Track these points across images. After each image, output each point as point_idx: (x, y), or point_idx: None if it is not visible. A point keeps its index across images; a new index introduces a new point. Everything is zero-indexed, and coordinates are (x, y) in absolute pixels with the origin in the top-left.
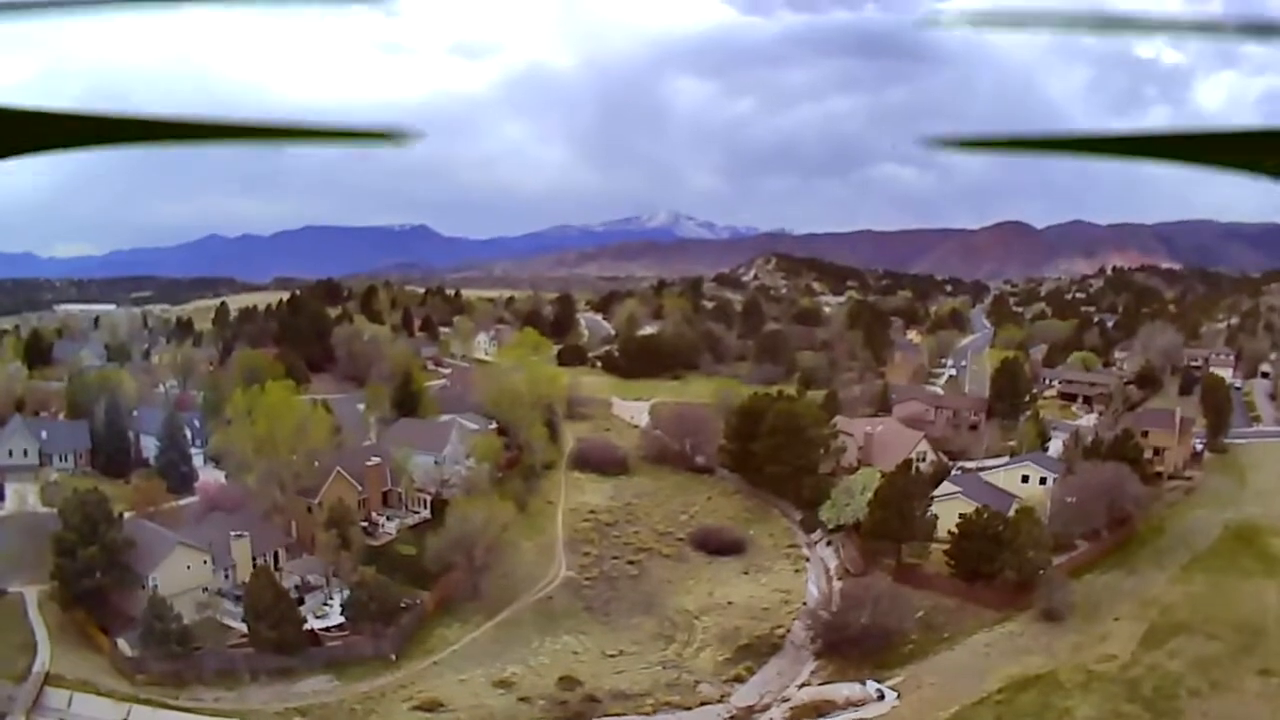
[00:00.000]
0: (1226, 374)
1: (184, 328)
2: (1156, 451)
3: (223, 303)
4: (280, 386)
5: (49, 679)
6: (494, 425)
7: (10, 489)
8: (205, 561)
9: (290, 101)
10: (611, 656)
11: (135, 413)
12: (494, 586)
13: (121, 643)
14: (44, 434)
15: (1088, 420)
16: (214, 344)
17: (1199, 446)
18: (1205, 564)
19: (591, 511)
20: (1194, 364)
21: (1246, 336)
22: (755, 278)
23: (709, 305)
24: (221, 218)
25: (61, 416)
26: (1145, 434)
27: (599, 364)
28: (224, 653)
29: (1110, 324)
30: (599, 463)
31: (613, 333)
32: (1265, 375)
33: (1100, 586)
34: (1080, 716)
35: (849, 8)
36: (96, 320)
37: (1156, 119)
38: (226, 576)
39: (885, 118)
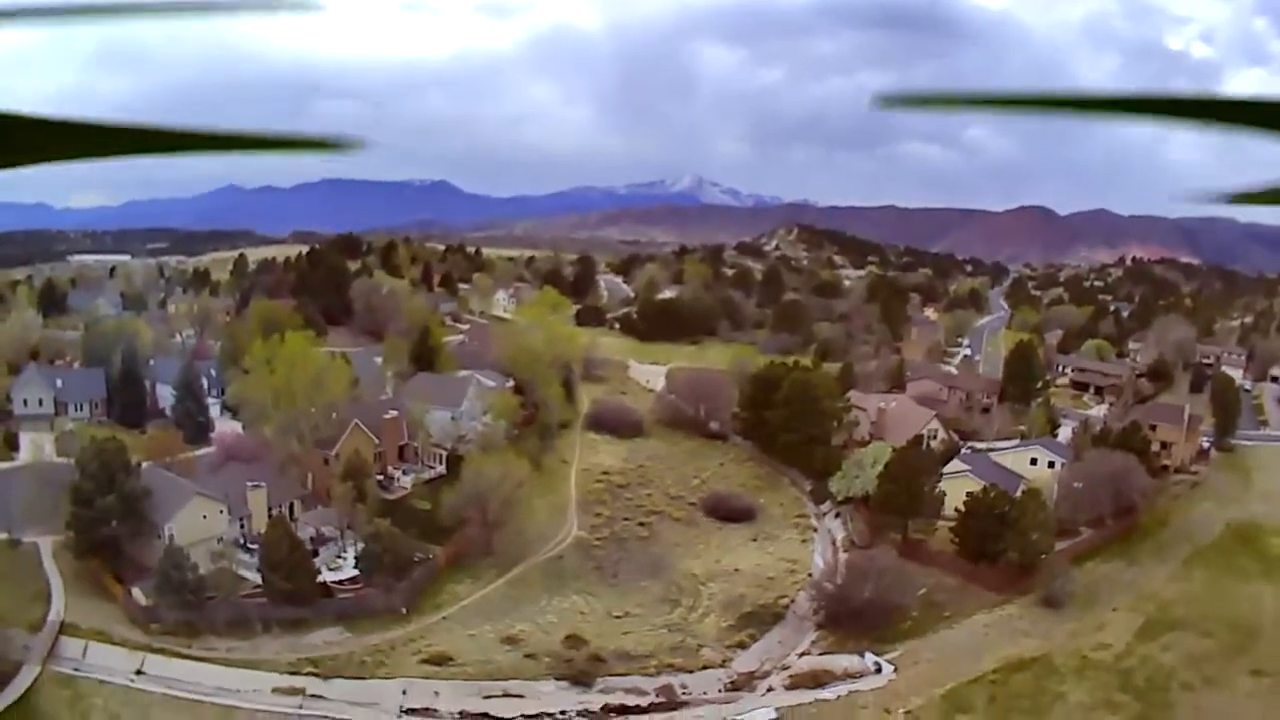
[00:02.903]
0: (1237, 374)
1: (201, 278)
2: (1164, 445)
3: (241, 254)
4: (299, 337)
5: (64, 628)
6: (511, 383)
7: (26, 438)
8: (221, 512)
9: (312, 60)
10: (618, 618)
11: (152, 362)
12: (506, 544)
13: (136, 592)
14: (59, 383)
15: (1098, 410)
16: (231, 294)
17: (1206, 444)
18: (1205, 561)
19: (605, 473)
20: (1206, 361)
21: (1259, 337)
22: (776, 247)
23: (729, 272)
24: (240, 169)
25: (77, 365)
26: (1153, 427)
27: (617, 326)
28: (238, 603)
29: (1126, 314)
30: (614, 425)
31: (632, 295)
32: (1275, 380)
33: (1100, 575)
34: (1072, 701)
35: None
36: (112, 270)
37: None
38: (242, 527)
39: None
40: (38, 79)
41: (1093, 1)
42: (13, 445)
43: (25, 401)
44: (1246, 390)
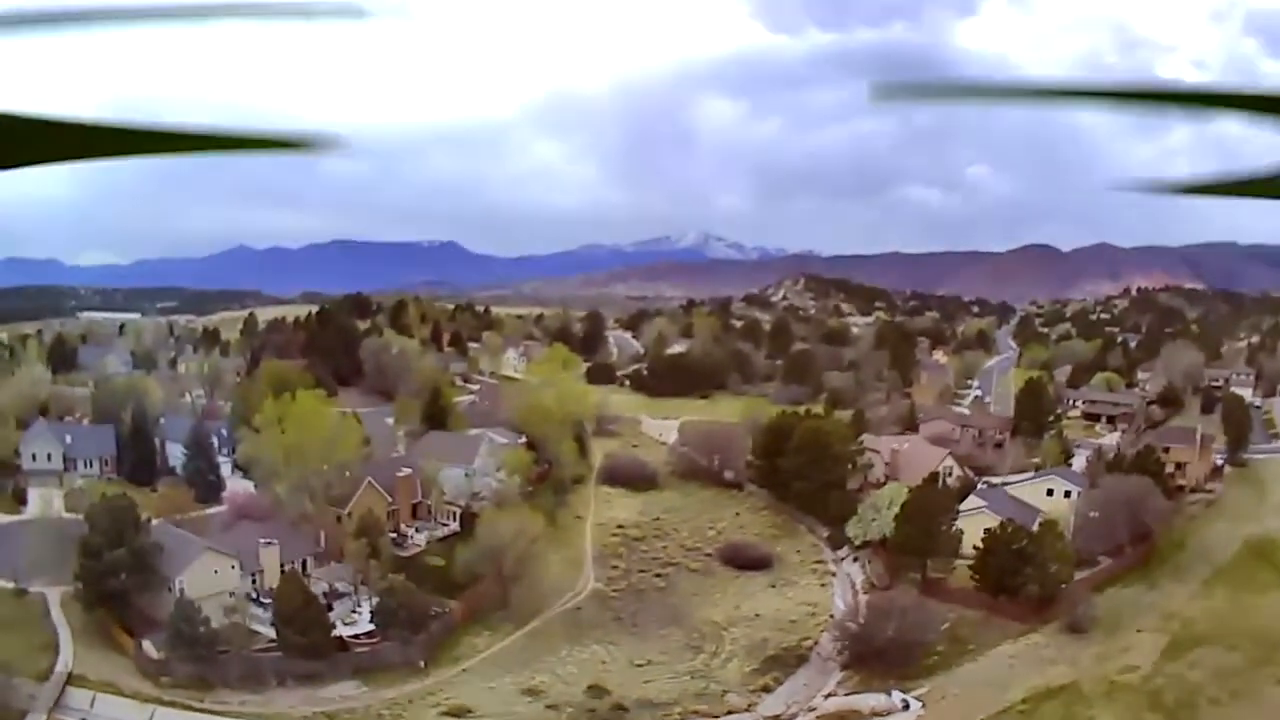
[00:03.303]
0: (1246, 393)
1: (210, 338)
2: (1178, 467)
3: (250, 313)
4: (310, 396)
5: (71, 679)
6: (523, 440)
7: (34, 493)
8: (233, 567)
9: (318, 119)
10: (639, 666)
11: (162, 420)
12: (522, 597)
13: (146, 645)
14: (69, 438)
15: (1111, 439)
16: (241, 354)
17: (1219, 462)
18: (1225, 578)
19: (620, 526)
20: (1215, 383)
21: (1266, 356)
22: (784, 298)
23: (738, 325)
24: (250, 230)
25: (86, 422)
26: (1166, 450)
27: (627, 382)
28: (250, 657)
29: (1133, 344)
30: (628, 478)
31: (641, 351)
32: None
33: (1122, 600)
34: None
35: (876, 27)
36: (121, 328)
37: (1180, 138)
38: (254, 582)
39: (913, 139)
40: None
41: (1085, 38)
42: (21, 500)
43: (34, 456)
44: (1257, 407)
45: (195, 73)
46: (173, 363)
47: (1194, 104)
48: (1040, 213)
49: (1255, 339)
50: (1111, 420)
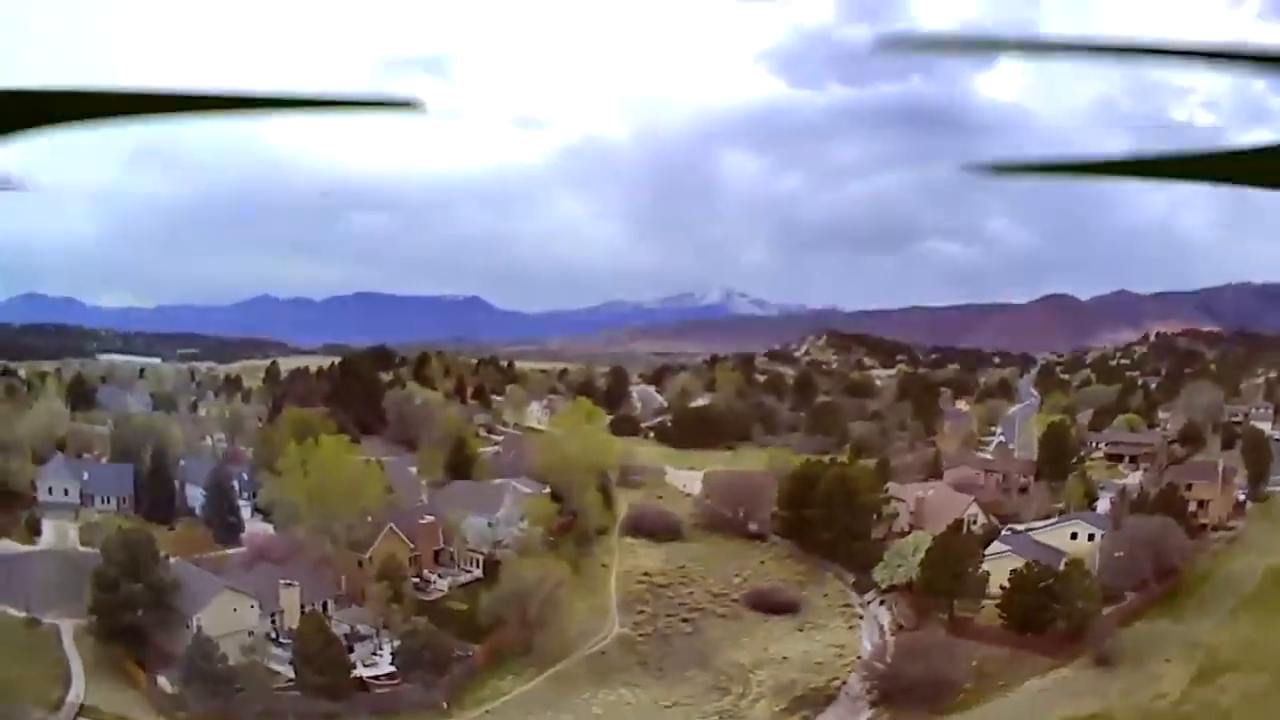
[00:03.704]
0: (1266, 426)
1: (232, 385)
2: (1201, 504)
3: (273, 361)
4: (334, 440)
5: (83, 710)
6: (547, 490)
7: (49, 524)
8: (252, 606)
9: (342, 171)
10: (666, 708)
11: (182, 462)
12: (547, 642)
13: (161, 680)
14: (86, 475)
15: (1134, 478)
16: (263, 401)
17: (1241, 496)
18: (1250, 607)
19: (645, 574)
20: (1235, 419)
21: None
22: (807, 353)
23: (761, 379)
24: (273, 279)
25: (105, 460)
26: (1189, 487)
27: (651, 434)
28: (268, 696)
29: (1154, 386)
30: (652, 528)
31: (665, 404)
32: None
33: (1149, 633)
34: None
35: (896, 81)
36: (142, 371)
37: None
38: (274, 622)
39: (932, 193)
40: (70, 177)
41: (1099, 84)
42: (35, 531)
43: (50, 490)
44: (1277, 440)
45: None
46: (193, 407)
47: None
48: (1059, 262)
49: (1273, 374)
50: (1134, 460)
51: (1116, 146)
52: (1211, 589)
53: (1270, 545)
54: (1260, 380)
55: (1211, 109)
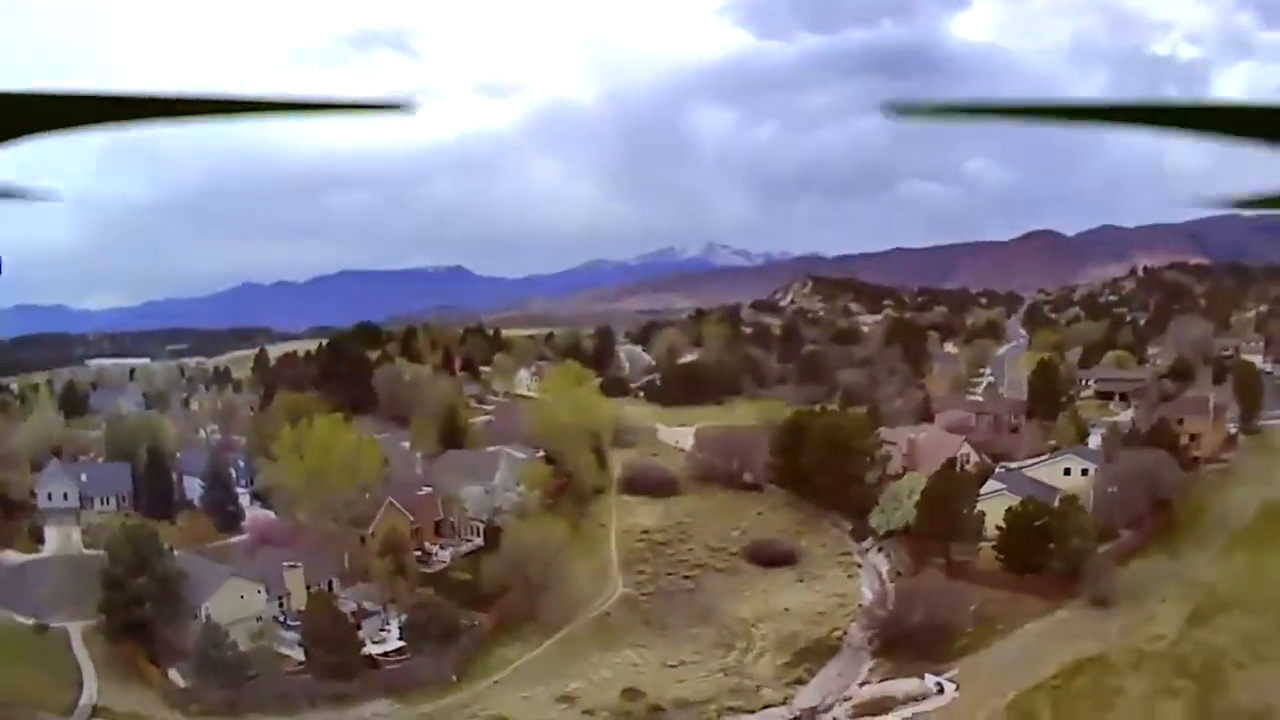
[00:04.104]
0: (1257, 360)
1: (222, 377)
2: (1192, 437)
3: (262, 349)
4: (329, 420)
5: (96, 712)
6: (541, 455)
7: (51, 531)
8: (259, 591)
9: (319, 148)
10: (672, 667)
11: (178, 455)
12: (551, 607)
13: (173, 673)
14: (84, 477)
15: (1125, 415)
16: (254, 390)
17: (1233, 430)
18: (1245, 543)
19: (645, 532)
20: (1225, 353)
21: (1276, 322)
22: (792, 302)
23: (748, 331)
24: (256, 265)
25: (100, 461)
26: (1181, 422)
27: (641, 394)
28: (280, 680)
29: (1143, 322)
30: (648, 485)
31: (653, 363)
32: None
33: (1145, 571)
34: (1133, 694)
35: (866, 26)
36: (132, 372)
37: None
38: (281, 605)
39: (909, 135)
40: (47, 182)
41: (1075, 21)
42: (38, 538)
43: (50, 495)
44: (1268, 373)
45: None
46: (185, 402)
47: (1208, 125)
48: (1043, 199)
49: (1264, 307)
50: (1125, 397)
51: (1096, 83)
52: (1206, 524)
53: (1263, 478)
54: (1251, 314)
55: (1194, 42)
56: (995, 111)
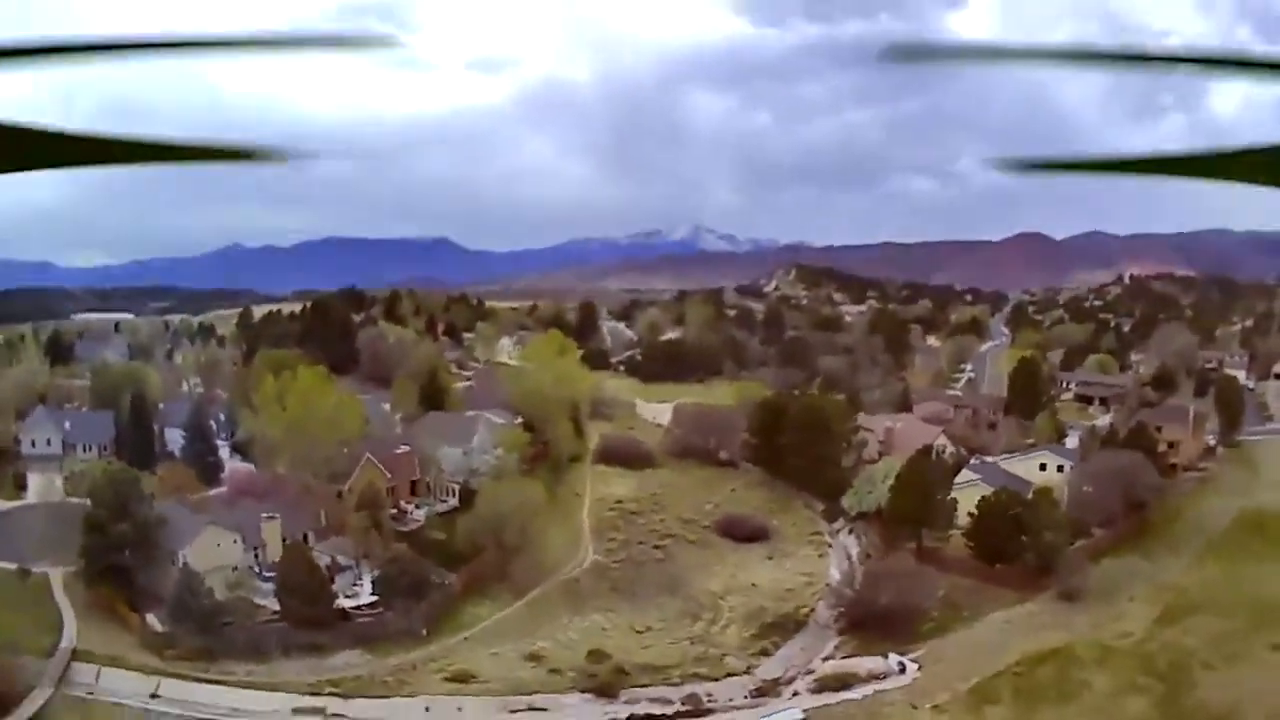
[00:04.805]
0: (1240, 375)
1: (206, 332)
2: (1170, 445)
3: (246, 306)
4: (311, 372)
5: (76, 655)
6: (520, 421)
7: (34, 478)
8: (235, 541)
9: (307, 120)
10: (639, 633)
11: (160, 406)
12: (523, 568)
13: (150, 618)
14: (67, 424)
15: (1104, 420)
16: (237, 345)
17: (1212, 442)
18: (1218, 549)
19: (618, 501)
20: (1209, 365)
21: (1260, 339)
22: (776, 288)
23: (731, 314)
24: (243, 229)
25: (85, 410)
26: (1159, 429)
27: (622, 368)
28: (255, 628)
29: (1127, 328)
30: (624, 457)
31: (635, 339)
32: (1279, 376)
33: (1116, 570)
34: (1098, 689)
35: (863, 17)
36: (117, 325)
37: (1172, 125)
38: (257, 556)
39: (903, 129)
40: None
41: (1074, 26)
42: (21, 485)
43: (34, 443)
44: (1250, 389)
45: (178, 76)
46: (169, 355)
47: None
48: (1033, 200)
49: (1249, 322)
50: (1105, 402)
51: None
52: (1181, 530)
53: (1241, 489)
54: (1236, 328)
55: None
56: (998, 55)
